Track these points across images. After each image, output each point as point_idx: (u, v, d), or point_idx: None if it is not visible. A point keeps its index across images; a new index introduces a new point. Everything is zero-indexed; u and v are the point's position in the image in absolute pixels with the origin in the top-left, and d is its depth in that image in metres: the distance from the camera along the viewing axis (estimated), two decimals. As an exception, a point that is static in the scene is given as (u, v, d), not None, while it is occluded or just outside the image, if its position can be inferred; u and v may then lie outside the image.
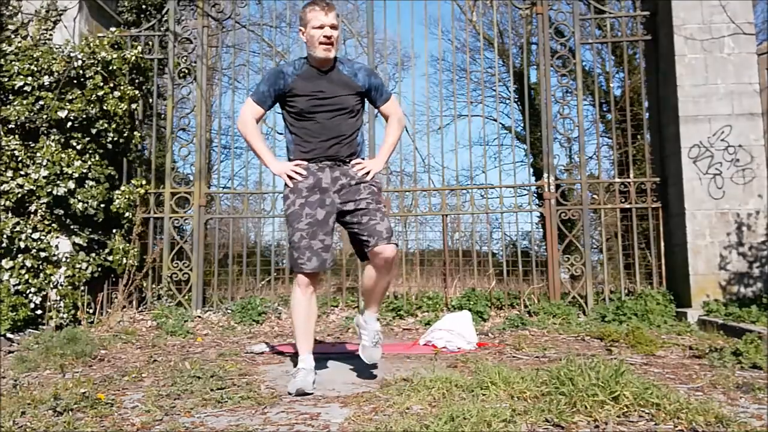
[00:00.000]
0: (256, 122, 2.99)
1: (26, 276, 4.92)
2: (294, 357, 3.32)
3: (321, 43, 2.79)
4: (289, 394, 2.59)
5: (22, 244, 4.93)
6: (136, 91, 5.58)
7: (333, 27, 2.80)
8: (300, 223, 2.79)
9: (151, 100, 5.96)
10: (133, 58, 5.53)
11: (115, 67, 5.33)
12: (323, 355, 3.57)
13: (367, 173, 2.90)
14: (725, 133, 5.16)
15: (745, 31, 5.22)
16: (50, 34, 5.44)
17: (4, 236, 4.89)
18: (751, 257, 5.03)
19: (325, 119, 2.85)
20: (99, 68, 5.21)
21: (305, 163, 2.86)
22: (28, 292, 4.90)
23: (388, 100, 3.05)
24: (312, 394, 2.61)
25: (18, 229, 4.93)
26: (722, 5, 5.25)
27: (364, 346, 2.97)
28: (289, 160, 2.93)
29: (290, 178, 2.84)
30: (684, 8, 5.31)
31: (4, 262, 4.91)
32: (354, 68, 2.96)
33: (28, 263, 4.93)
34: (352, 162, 2.91)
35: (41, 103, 5.07)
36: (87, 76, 5.19)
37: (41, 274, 4.98)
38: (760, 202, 5.07)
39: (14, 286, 4.86)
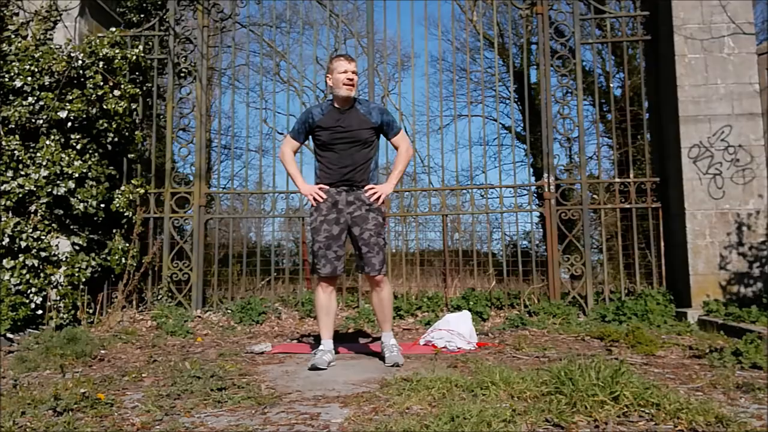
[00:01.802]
0: (293, 153, 3.73)
1: (27, 276, 4.92)
2: (293, 357, 3.72)
3: (344, 84, 3.46)
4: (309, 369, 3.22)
5: (23, 244, 4.93)
6: (137, 90, 5.58)
7: (354, 72, 3.48)
8: (319, 236, 3.45)
9: (150, 100, 5.96)
10: (134, 57, 5.53)
11: (116, 65, 5.32)
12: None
13: (378, 197, 3.48)
14: (725, 133, 5.16)
15: (745, 31, 5.22)
16: (50, 35, 5.44)
17: (5, 236, 4.89)
18: (751, 257, 5.03)
19: (342, 150, 3.48)
20: (99, 67, 5.21)
21: (326, 187, 3.49)
22: (28, 291, 4.90)
23: (398, 134, 3.65)
24: (326, 369, 3.20)
25: (19, 228, 4.93)
26: (722, 5, 5.25)
27: (385, 358, 3.44)
28: (317, 183, 3.55)
29: (314, 199, 3.48)
30: (684, 8, 5.31)
31: (5, 261, 4.91)
32: (369, 108, 3.59)
33: (29, 263, 4.93)
34: (366, 187, 3.49)
35: (41, 103, 5.07)
36: (87, 75, 5.19)
37: (41, 274, 4.98)
38: (760, 202, 5.07)
39: (15, 285, 4.86)
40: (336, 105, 3.53)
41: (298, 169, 3.82)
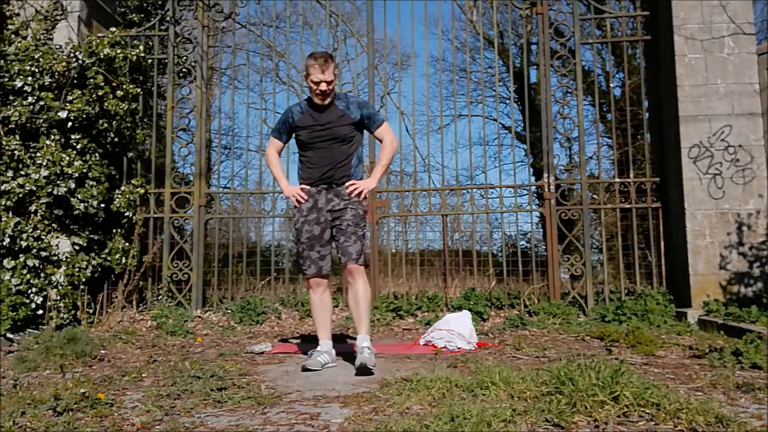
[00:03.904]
0: (278, 154, 3.66)
1: (27, 276, 4.92)
2: (293, 357, 3.74)
3: (317, 95, 3.38)
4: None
5: (24, 244, 4.93)
6: (138, 90, 5.57)
7: (327, 83, 3.34)
8: (302, 237, 3.43)
9: (150, 100, 5.96)
10: (135, 57, 5.52)
11: (117, 65, 5.32)
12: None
13: (360, 193, 3.40)
14: (725, 133, 5.16)
15: (745, 31, 5.22)
16: (51, 35, 5.44)
17: (6, 236, 4.88)
18: (751, 257, 5.03)
19: (321, 148, 3.42)
20: (100, 67, 5.21)
21: (307, 187, 3.45)
22: (29, 291, 4.90)
23: (381, 126, 3.54)
24: (317, 370, 3.16)
25: (19, 228, 4.93)
26: (722, 5, 5.25)
27: (355, 360, 3.20)
28: (299, 183, 3.52)
29: (296, 200, 3.45)
30: (684, 8, 5.31)
31: (5, 261, 4.91)
32: (348, 102, 3.50)
33: (30, 263, 4.92)
34: (347, 183, 3.41)
35: (42, 103, 5.07)
36: (88, 76, 5.18)
37: (42, 274, 4.98)
38: (760, 202, 5.07)
39: (15, 286, 4.86)
40: (314, 102, 3.44)
41: (283, 169, 3.78)
